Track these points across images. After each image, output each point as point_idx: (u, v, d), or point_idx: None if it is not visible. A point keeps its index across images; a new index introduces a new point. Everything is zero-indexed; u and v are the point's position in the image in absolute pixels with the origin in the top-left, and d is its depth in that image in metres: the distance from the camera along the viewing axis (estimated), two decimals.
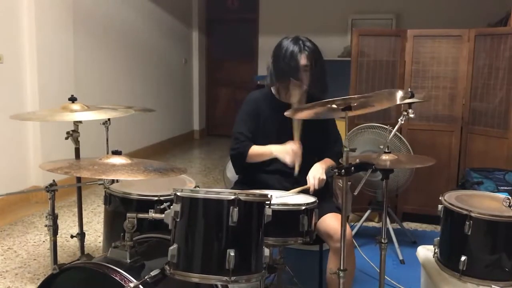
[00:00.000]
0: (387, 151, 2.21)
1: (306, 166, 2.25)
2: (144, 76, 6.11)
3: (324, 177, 2.15)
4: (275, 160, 2.25)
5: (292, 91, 2.22)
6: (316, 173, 2.14)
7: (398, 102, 1.80)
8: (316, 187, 2.10)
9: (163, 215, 1.54)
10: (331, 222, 2.04)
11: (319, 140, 2.31)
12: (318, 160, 2.25)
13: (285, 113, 1.88)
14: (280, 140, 2.24)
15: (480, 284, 1.78)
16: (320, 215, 2.02)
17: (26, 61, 3.94)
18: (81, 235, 2.47)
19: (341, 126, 2.41)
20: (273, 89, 2.34)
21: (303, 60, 2.17)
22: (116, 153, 1.72)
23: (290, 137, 2.23)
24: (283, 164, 2.23)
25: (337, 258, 1.98)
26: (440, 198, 1.92)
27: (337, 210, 2.17)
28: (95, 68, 4.95)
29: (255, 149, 2.25)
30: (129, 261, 1.61)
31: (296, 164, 2.16)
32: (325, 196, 2.26)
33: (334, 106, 1.70)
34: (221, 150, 6.70)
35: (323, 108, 1.77)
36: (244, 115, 2.32)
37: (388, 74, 3.71)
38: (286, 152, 2.15)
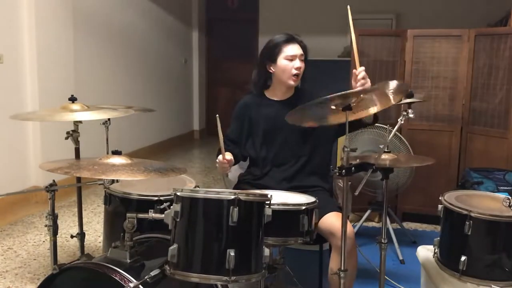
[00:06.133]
0: (386, 150, 2.21)
1: (313, 162, 2.30)
2: (144, 76, 6.11)
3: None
4: (274, 163, 2.30)
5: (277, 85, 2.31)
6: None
7: (392, 98, 1.80)
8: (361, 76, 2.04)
9: (163, 215, 1.54)
10: (333, 220, 2.03)
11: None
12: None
13: (286, 118, 1.89)
14: (270, 137, 2.30)
15: (480, 284, 1.78)
16: (322, 214, 2.02)
17: (26, 61, 3.94)
18: (81, 235, 2.47)
19: None
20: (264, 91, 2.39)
21: (298, 49, 2.25)
22: (116, 153, 1.72)
23: (279, 132, 2.29)
24: (280, 164, 2.30)
25: (340, 257, 1.98)
26: (440, 198, 1.92)
27: (339, 209, 2.18)
28: (95, 68, 4.95)
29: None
30: (129, 261, 1.61)
31: (227, 172, 2.27)
32: (327, 195, 2.27)
33: (333, 107, 1.70)
34: None
35: (321, 109, 1.77)
36: (233, 119, 2.44)
37: (388, 74, 3.71)
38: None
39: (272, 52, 2.26)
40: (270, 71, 2.29)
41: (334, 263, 2.04)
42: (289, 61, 2.23)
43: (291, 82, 2.25)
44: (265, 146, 2.33)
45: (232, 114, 2.43)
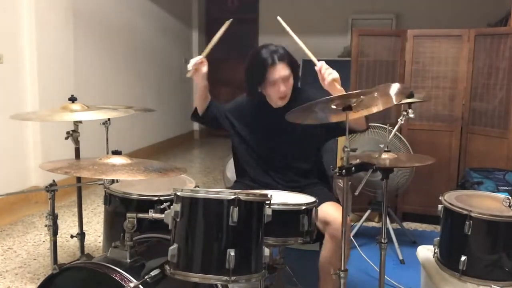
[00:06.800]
0: (386, 150, 2.21)
1: (307, 159, 2.28)
2: (144, 76, 6.10)
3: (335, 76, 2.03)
4: (269, 159, 2.30)
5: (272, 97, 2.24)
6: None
7: (394, 99, 1.79)
8: (324, 71, 2.02)
9: (163, 215, 1.54)
10: (328, 209, 2.03)
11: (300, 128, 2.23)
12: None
13: (286, 117, 1.87)
14: (264, 144, 2.29)
15: (480, 284, 1.78)
16: (318, 204, 2.01)
17: (26, 61, 3.94)
18: (81, 235, 2.47)
19: None
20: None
21: (280, 71, 2.13)
22: (116, 153, 1.72)
23: (276, 133, 2.26)
24: (276, 162, 2.29)
25: (333, 245, 2.00)
26: (440, 198, 1.92)
27: (336, 200, 2.18)
28: (95, 68, 4.95)
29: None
30: (129, 261, 1.61)
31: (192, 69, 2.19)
32: (324, 188, 2.27)
33: (333, 106, 1.70)
34: (221, 150, 6.69)
35: (321, 111, 1.77)
36: (230, 106, 2.41)
37: (388, 74, 3.71)
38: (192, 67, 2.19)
39: (258, 76, 2.17)
40: (259, 90, 2.23)
41: (326, 250, 2.04)
42: (272, 86, 2.15)
43: (279, 103, 2.20)
44: (258, 151, 2.33)
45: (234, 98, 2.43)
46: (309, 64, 2.31)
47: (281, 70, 2.14)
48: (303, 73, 2.44)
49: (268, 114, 2.29)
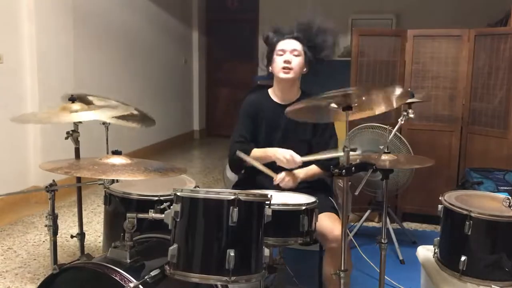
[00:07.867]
0: (386, 151, 2.21)
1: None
2: (144, 76, 6.10)
3: (290, 182, 2.14)
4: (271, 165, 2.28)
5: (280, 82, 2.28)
6: (290, 174, 2.15)
7: (394, 103, 1.79)
8: (278, 182, 2.14)
9: (163, 215, 1.54)
10: (324, 222, 2.03)
11: (309, 134, 2.30)
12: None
13: (286, 112, 1.88)
14: (282, 140, 2.28)
15: (480, 284, 1.78)
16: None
17: (26, 61, 3.94)
18: (81, 235, 2.47)
19: (341, 126, 2.40)
20: (269, 91, 2.37)
21: (289, 44, 2.26)
22: (116, 153, 1.72)
23: (288, 136, 2.25)
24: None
25: (333, 259, 1.98)
26: (440, 198, 1.92)
27: (332, 209, 2.18)
28: (95, 68, 4.95)
29: (256, 153, 2.25)
30: (129, 261, 1.61)
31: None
32: (321, 195, 2.27)
33: (333, 105, 1.70)
34: (221, 150, 6.69)
35: (321, 106, 1.77)
36: (243, 118, 2.34)
37: (388, 74, 3.71)
38: (285, 157, 2.13)
39: (269, 53, 2.29)
40: (269, 70, 2.30)
41: (328, 266, 2.03)
42: (279, 56, 2.25)
43: (282, 75, 2.23)
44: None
45: (240, 115, 2.37)
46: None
47: (292, 44, 2.26)
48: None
49: (271, 111, 2.29)
